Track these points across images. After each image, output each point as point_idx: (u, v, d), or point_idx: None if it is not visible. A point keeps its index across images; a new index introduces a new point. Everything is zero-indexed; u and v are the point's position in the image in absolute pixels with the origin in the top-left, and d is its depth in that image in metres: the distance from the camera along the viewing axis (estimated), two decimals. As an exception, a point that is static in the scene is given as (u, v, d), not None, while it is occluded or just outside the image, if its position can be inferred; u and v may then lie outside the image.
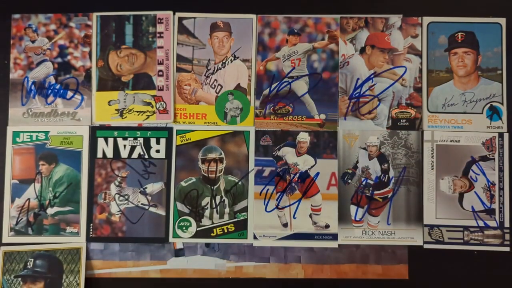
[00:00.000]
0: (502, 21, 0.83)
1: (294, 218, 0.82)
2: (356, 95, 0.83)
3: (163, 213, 0.82)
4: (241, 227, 0.82)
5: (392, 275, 0.81)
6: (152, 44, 0.84)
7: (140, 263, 0.82)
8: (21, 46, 0.85)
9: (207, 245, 0.82)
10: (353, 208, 0.82)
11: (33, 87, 0.84)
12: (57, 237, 0.80)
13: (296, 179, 0.83)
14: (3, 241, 0.81)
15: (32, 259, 0.75)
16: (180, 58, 0.84)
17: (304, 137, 0.83)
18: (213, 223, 0.82)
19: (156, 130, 0.83)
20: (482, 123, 0.82)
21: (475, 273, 0.81)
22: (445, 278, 0.81)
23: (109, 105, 0.84)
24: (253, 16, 0.84)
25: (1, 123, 0.83)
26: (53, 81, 0.84)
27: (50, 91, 0.84)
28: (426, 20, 0.84)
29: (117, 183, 0.82)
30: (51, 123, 0.83)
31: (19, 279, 0.74)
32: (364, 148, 0.83)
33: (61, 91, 0.84)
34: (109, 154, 0.82)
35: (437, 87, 0.83)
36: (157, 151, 0.82)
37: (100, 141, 0.82)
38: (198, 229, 0.82)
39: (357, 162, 0.83)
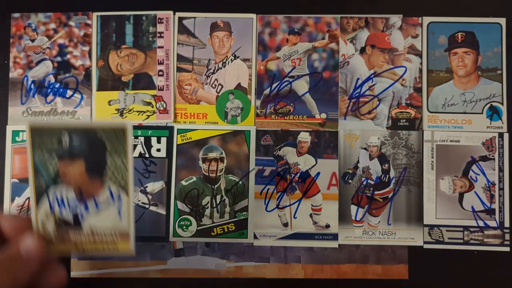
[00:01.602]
0: (502, 21, 0.83)
1: (295, 218, 0.82)
2: (356, 95, 0.83)
3: (163, 212, 0.82)
4: (241, 226, 0.82)
5: (392, 275, 0.81)
6: (152, 44, 0.84)
7: (140, 263, 0.81)
8: (21, 45, 0.84)
9: (207, 245, 0.82)
10: (353, 208, 0.82)
11: (32, 86, 0.84)
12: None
13: (297, 179, 0.83)
14: (3, 240, 0.81)
15: (67, 134, 0.58)
16: (180, 58, 0.84)
17: (305, 137, 0.83)
18: (213, 222, 0.81)
19: (157, 129, 0.83)
20: (482, 123, 0.82)
21: (475, 273, 0.81)
22: (445, 278, 0.81)
23: (109, 105, 0.83)
24: (253, 16, 0.84)
25: (1, 122, 0.83)
26: (52, 80, 0.84)
27: (49, 90, 0.83)
28: (426, 20, 0.84)
29: (117, 182, 0.82)
30: (51, 122, 0.83)
31: (54, 154, 0.58)
32: (365, 148, 0.83)
33: (61, 90, 0.84)
34: (110, 152, 0.82)
35: (437, 87, 0.83)
36: (158, 150, 0.82)
37: (101, 140, 0.82)
38: (198, 228, 0.81)
39: (358, 162, 0.83)
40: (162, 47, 0.84)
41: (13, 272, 0.51)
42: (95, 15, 0.84)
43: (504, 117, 0.82)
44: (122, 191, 0.59)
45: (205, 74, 0.84)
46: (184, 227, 0.81)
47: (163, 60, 0.84)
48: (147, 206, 0.82)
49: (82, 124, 0.60)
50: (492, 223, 0.81)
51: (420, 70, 0.83)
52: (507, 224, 0.81)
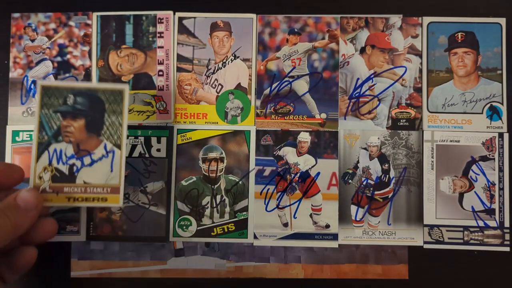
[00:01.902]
0: (502, 21, 0.83)
1: (295, 218, 0.82)
2: (356, 95, 0.83)
3: (163, 212, 0.82)
4: (241, 226, 0.82)
5: (392, 275, 0.81)
6: (152, 44, 0.84)
7: (140, 263, 0.81)
8: (21, 45, 0.84)
9: (207, 245, 0.82)
10: (353, 208, 0.82)
11: (32, 86, 0.84)
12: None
13: (297, 179, 0.83)
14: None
15: (72, 95, 0.67)
16: (180, 58, 0.84)
17: (304, 137, 0.83)
18: (213, 222, 0.81)
19: (157, 129, 0.83)
20: (482, 123, 0.82)
21: (475, 273, 0.81)
22: (445, 278, 0.81)
23: (109, 104, 0.83)
24: (253, 16, 0.84)
25: (1, 122, 0.83)
26: (52, 80, 0.84)
27: (50, 90, 0.84)
28: (426, 20, 0.84)
29: (117, 182, 0.82)
30: (51, 122, 0.83)
31: (59, 114, 0.66)
32: (365, 148, 0.83)
33: (61, 90, 0.84)
34: (110, 152, 0.82)
35: (437, 87, 0.83)
36: (158, 150, 0.82)
37: (101, 140, 0.83)
38: (198, 228, 0.81)
39: (358, 162, 0.83)
40: (162, 47, 0.84)
41: (14, 219, 0.55)
42: (95, 15, 0.84)
43: (504, 117, 0.82)
44: (116, 148, 0.66)
45: (205, 74, 0.84)
46: (184, 227, 0.81)
47: (163, 60, 0.84)
48: (147, 206, 0.82)
49: (86, 85, 0.69)
50: (492, 223, 0.81)
51: (420, 70, 0.83)
52: (507, 224, 0.81)
